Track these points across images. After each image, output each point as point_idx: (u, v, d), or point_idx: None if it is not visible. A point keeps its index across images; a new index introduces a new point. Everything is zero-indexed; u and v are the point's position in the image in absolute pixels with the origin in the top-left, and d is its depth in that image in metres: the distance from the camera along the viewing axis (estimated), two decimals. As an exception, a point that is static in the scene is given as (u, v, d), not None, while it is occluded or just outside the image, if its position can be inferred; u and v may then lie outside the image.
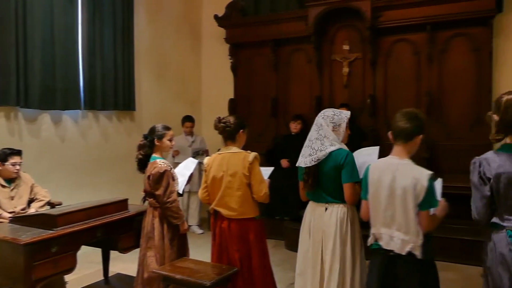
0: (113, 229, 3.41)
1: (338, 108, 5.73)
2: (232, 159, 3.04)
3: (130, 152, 5.52)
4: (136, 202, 3.74)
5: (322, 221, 2.81)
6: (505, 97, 2.18)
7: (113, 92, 5.43)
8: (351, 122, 5.97)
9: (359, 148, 3.03)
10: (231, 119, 3.12)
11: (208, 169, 3.12)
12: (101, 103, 5.29)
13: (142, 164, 3.33)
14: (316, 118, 2.89)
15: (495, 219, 2.17)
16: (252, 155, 3.02)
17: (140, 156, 3.31)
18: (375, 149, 2.95)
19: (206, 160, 3.18)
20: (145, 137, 3.34)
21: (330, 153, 2.76)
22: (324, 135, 2.81)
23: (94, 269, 4.34)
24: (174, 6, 6.60)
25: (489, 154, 2.22)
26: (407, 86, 5.67)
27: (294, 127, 5.87)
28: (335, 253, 2.76)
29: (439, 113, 5.49)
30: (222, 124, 3.09)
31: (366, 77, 5.89)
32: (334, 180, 2.79)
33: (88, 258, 4.36)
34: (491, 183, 2.15)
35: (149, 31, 6.17)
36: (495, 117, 2.22)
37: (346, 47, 5.98)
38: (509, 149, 2.17)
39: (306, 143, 2.86)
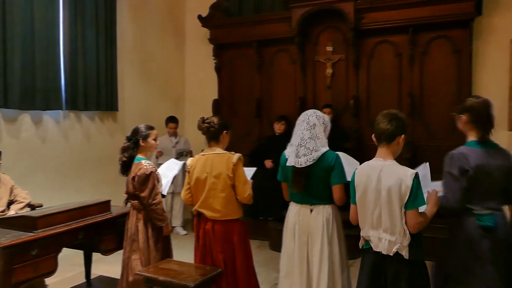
0: (95, 231, 3.37)
1: (321, 109, 5.84)
2: (216, 160, 3.02)
3: (113, 153, 5.47)
4: (119, 204, 3.70)
5: (308, 223, 2.82)
6: (475, 101, 2.59)
7: (95, 92, 5.37)
8: (335, 122, 6.06)
9: (341, 149, 3.06)
10: (215, 119, 3.10)
11: (191, 170, 3.09)
12: (83, 103, 5.22)
13: (126, 166, 3.28)
14: (306, 117, 2.87)
15: (468, 205, 2.42)
16: (236, 156, 3.01)
17: (124, 158, 3.26)
18: (356, 163, 3.07)
19: (189, 161, 3.15)
20: (129, 139, 3.29)
21: (323, 154, 2.79)
22: (316, 135, 2.82)
23: (76, 272, 4.29)
24: (157, 5, 6.56)
25: (464, 149, 2.49)
26: (390, 87, 5.73)
27: (278, 128, 5.89)
28: (323, 253, 2.77)
29: (421, 114, 5.57)
30: (206, 124, 3.07)
31: (349, 78, 5.94)
32: (323, 182, 2.81)
33: (70, 260, 4.30)
34: (469, 174, 2.39)
35: (132, 30, 6.12)
36: (464, 117, 2.56)
37: (329, 49, 6.02)
38: (481, 145, 2.49)
39: (298, 142, 2.82)
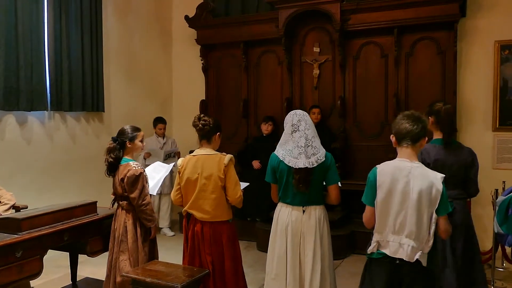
0: (81, 232, 3.35)
1: (308, 110, 5.88)
2: (207, 161, 2.99)
3: (98, 154, 5.41)
4: (105, 205, 3.68)
5: (301, 223, 2.82)
6: (443, 107, 3.00)
7: (81, 93, 5.32)
8: (322, 123, 6.09)
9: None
10: (211, 119, 3.09)
11: (181, 171, 3.06)
12: (68, 104, 5.17)
13: (113, 167, 3.25)
14: (301, 116, 2.87)
15: None
16: (227, 157, 2.99)
17: (111, 159, 3.22)
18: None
19: (179, 161, 3.12)
20: (114, 140, 3.26)
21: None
22: (315, 134, 2.85)
23: (61, 274, 4.25)
24: (143, 5, 6.53)
25: (428, 146, 2.95)
26: (376, 88, 5.78)
27: (266, 128, 5.90)
28: (315, 253, 2.79)
29: (406, 114, 5.61)
30: (202, 121, 3.03)
31: (336, 79, 5.98)
32: (319, 182, 2.83)
33: (56, 262, 4.27)
34: (430, 166, 2.75)
35: (118, 30, 6.08)
36: (431, 119, 3.01)
37: (316, 49, 6.05)
38: (443, 143, 2.97)
39: (304, 142, 2.78)
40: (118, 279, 3.16)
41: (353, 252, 5.10)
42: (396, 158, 2.29)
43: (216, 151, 3.09)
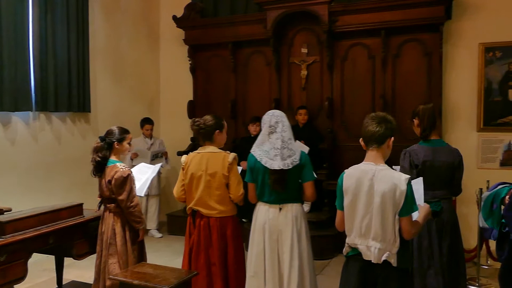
0: (66, 235, 3.31)
1: (296, 111, 5.90)
2: (211, 159, 3.04)
3: (85, 155, 5.35)
4: (91, 207, 3.63)
5: (278, 221, 2.88)
6: (422, 106, 3.12)
7: (66, 93, 5.25)
8: (309, 124, 6.12)
9: (316, 150, 3.14)
10: (207, 119, 3.10)
11: (186, 167, 3.11)
12: (53, 104, 5.10)
13: (100, 167, 3.21)
14: (279, 118, 2.93)
15: None
16: (231, 155, 3.05)
17: (98, 158, 3.18)
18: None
19: (183, 158, 3.17)
20: (102, 139, 3.23)
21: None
22: (292, 134, 2.93)
23: (47, 277, 4.20)
24: (131, 4, 6.48)
25: (416, 147, 3.07)
26: (363, 89, 5.82)
27: (254, 129, 5.89)
28: (293, 250, 2.84)
29: (394, 115, 5.52)
30: (195, 126, 3.09)
31: (324, 80, 6.00)
32: (295, 181, 2.89)
33: (41, 265, 4.21)
34: (418, 168, 2.96)
35: (105, 30, 6.02)
36: (415, 121, 3.14)
37: (304, 50, 6.07)
38: (430, 143, 3.04)
39: (280, 144, 2.85)
40: (108, 282, 3.13)
41: (340, 252, 5.09)
42: (363, 161, 2.31)
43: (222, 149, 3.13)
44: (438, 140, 3.16)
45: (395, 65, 5.67)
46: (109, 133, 3.26)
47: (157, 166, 3.75)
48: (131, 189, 3.16)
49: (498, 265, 3.21)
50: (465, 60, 5.39)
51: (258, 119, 5.95)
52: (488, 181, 4.23)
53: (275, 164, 2.82)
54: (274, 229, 2.88)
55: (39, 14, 4.93)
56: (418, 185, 2.54)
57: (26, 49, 4.79)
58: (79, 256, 3.44)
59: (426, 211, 2.35)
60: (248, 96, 6.47)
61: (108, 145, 3.22)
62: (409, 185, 2.15)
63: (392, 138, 2.29)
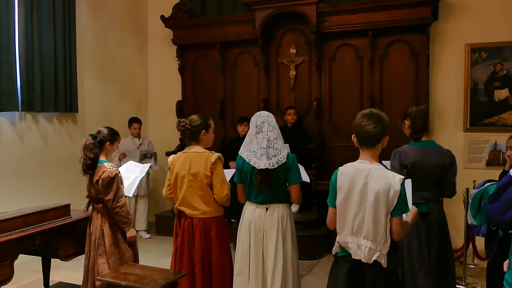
0: (53, 236, 3.27)
1: (284, 111, 5.91)
2: (195, 159, 3.04)
3: (72, 156, 5.34)
4: (79, 208, 3.60)
5: (263, 221, 2.90)
6: (415, 108, 3.09)
7: (53, 93, 5.20)
8: (298, 124, 6.13)
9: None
10: (193, 119, 3.08)
11: (171, 167, 3.11)
12: (40, 104, 5.04)
13: (92, 165, 3.17)
14: (265, 118, 2.93)
15: None
16: (215, 156, 3.03)
17: (92, 155, 3.15)
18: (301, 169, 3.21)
19: (170, 158, 3.17)
20: (94, 137, 3.21)
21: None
22: (279, 134, 2.92)
23: (34, 279, 4.15)
24: (118, 4, 6.43)
25: (406, 147, 3.07)
26: (351, 89, 5.86)
27: (242, 129, 5.89)
28: (277, 250, 2.85)
29: (381, 115, 5.70)
30: (181, 126, 3.06)
31: (312, 80, 6.03)
32: (281, 182, 2.90)
33: (28, 267, 4.17)
34: (408, 168, 2.97)
35: (92, 29, 5.97)
36: (407, 122, 3.11)
37: (292, 51, 6.09)
38: (421, 145, 3.03)
39: (266, 144, 2.86)
40: (98, 283, 3.11)
41: (329, 251, 5.13)
42: (358, 160, 2.29)
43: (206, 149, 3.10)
44: (429, 141, 3.12)
45: (383, 66, 5.72)
46: (101, 132, 3.25)
47: (146, 166, 3.73)
48: (118, 189, 3.15)
49: (484, 264, 3.26)
50: (451, 60, 5.45)
51: (246, 119, 5.96)
52: (474, 181, 4.28)
53: (261, 163, 2.84)
54: (260, 228, 2.90)
55: (25, 14, 4.87)
56: (407, 186, 2.56)
57: (12, 49, 4.73)
58: (66, 257, 3.41)
59: (414, 213, 2.34)
60: (236, 96, 6.47)
61: (100, 144, 3.20)
62: (403, 185, 2.15)
63: (387, 137, 2.28)
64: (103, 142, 3.21)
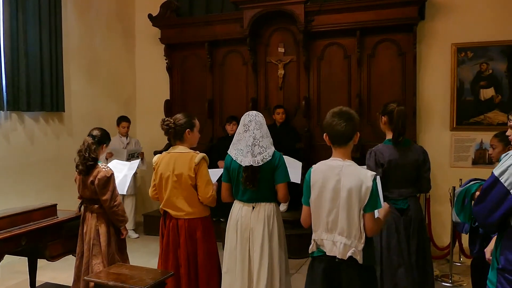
0: (39, 236, 3.25)
1: (273, 110, 5.91)
2: (179, 159, 2.99)
3: (58, 156, 5.28)
4: (66, 208, 3.57)
5: (249, 219, 2.90)
6: (396, 108, 3.04)
7: (39, 92, 5.14)
8: (286, 123, 6.13)
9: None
10: (178, 118, 3.04)
11: (156, 168, 3.07)
12: (26, 103, 4.98)
13: (92, 166, 3.16)
14: (252, 117, 2.95)
15: (385, 193, 2.79)
16: (199, 156, 2.98)
17: (94, 156, 3.16)
18: (298, 165, 3.32)
19: (155, 158, 3.12)
20: (93, 137, 3.21)
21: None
22: (266, 133, 2.93)
23: (20, 279, 4.11)
24: (105, 2, 6.38)
25: (381, 146, 3.09)
26: (339, 88, 5.89)
27: (231, 128, 5.88)
28: (263, 248, 2.85)
29: (369, 114, 5.75)
30: (165, 125, 3.01)
31: (301, 79, 6.05)
32: (268, 180, 2.90)
33: (13, 267, 4.12)
34: (384, 167, 2.99)
35: (79, 28, 5.91)
36: (384, 118, 3.11)
37: (281, 50, 6.10)
38: (395, 143, 3.05)
39: (251, 141, 2.87)
40: (92, 284, 3.08)
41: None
42: (330, 157, 2.31)
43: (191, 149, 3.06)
44: (404, 140, 3.12)
45: (370, 65, 5.76)
46: (97, 133, 3.26)
47: (134, 163, 3.72)
48: (114, 189, 3.18)
49: (470, 262, 3.30)
50: (438, 60, 5.50)
51: (235, 119, 5.96)
52: (460, 179, 4.33)
53: (246, 160, 2.85)
54: (246, 227, 2.90)
55: (10, 13, 4.81)
56: (378, 183, 2.58)
57: (-4, 47, 4.68)
58: (52, 258, 3.38)
59: (386, 210, 2.36)
60: (225, 95, 6.47)
61: (98, 145, 3.22)
62: (374, 181, 2.18)
63: (358, 134, 2.30)
64: (101, 142, 3.22)
